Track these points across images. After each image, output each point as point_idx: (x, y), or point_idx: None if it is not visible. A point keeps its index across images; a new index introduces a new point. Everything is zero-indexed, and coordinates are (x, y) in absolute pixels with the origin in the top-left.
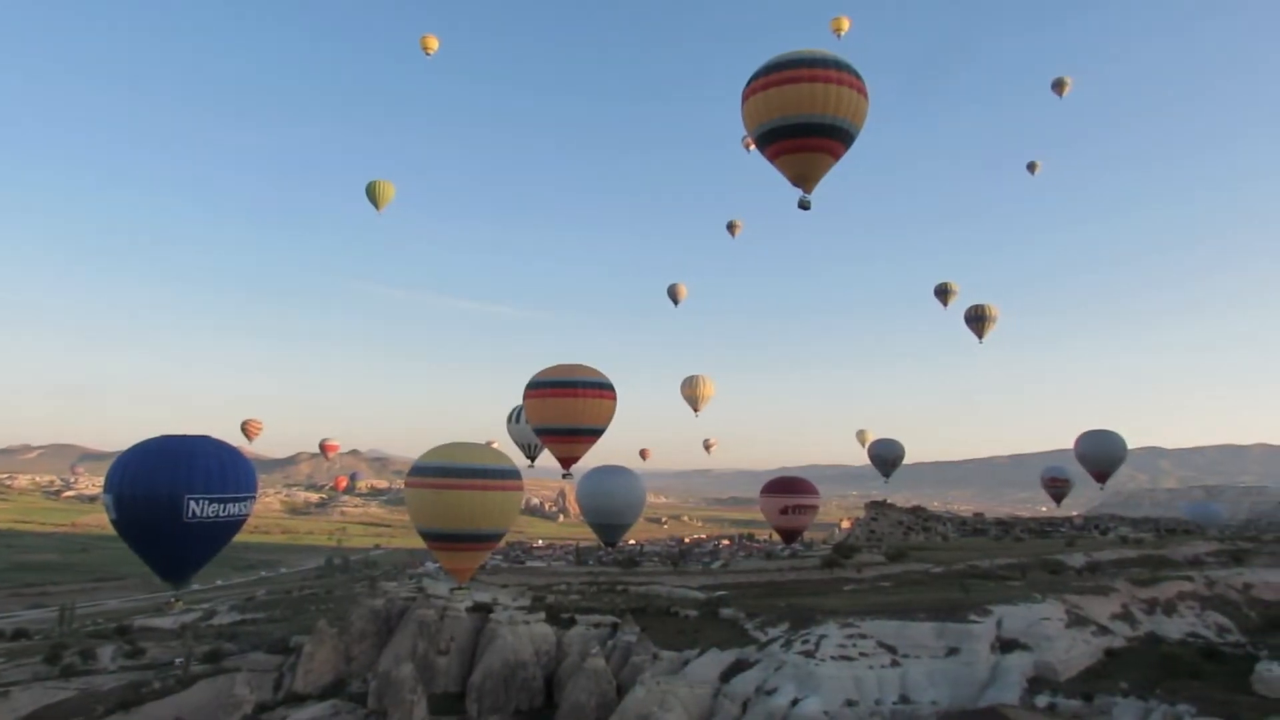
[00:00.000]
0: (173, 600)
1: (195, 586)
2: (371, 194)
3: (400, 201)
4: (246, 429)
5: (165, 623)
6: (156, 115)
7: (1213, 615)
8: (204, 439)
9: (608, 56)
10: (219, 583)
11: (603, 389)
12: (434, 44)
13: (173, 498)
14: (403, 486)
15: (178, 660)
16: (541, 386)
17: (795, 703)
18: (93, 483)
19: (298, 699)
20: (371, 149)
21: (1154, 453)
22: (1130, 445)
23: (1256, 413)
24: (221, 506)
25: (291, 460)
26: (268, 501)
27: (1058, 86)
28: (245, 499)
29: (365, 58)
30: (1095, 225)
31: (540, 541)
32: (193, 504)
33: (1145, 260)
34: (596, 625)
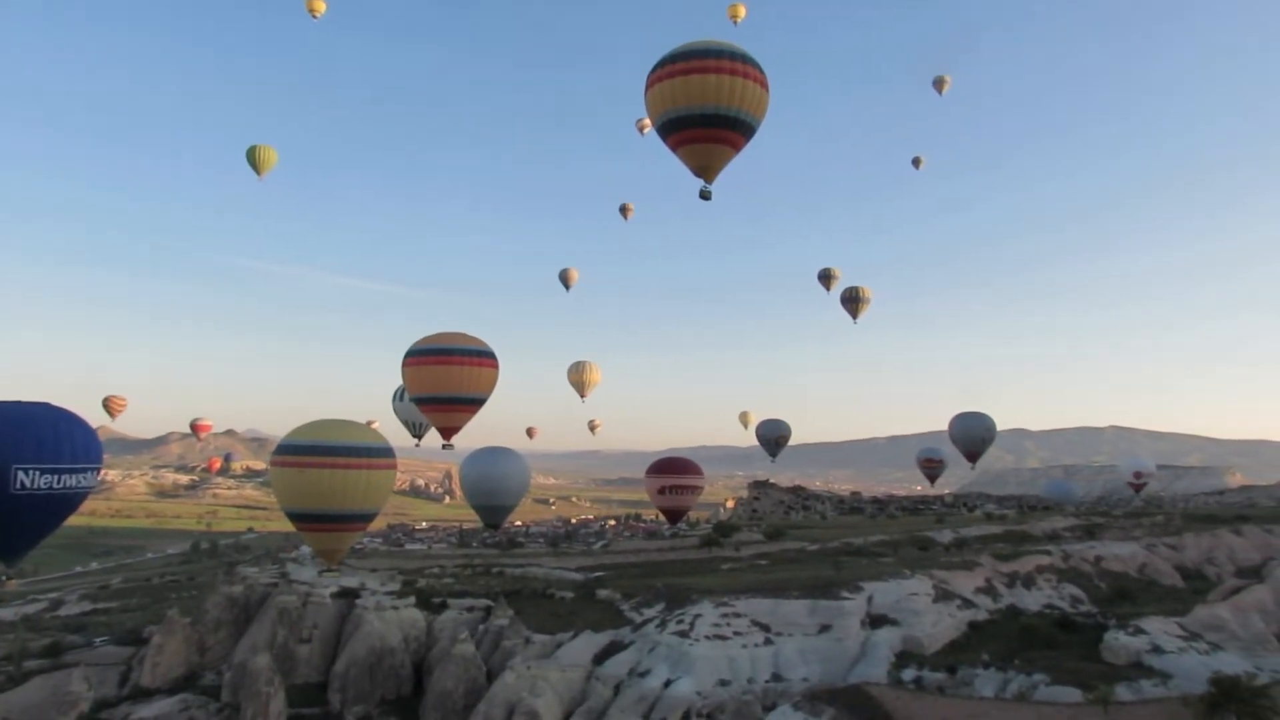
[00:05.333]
0: (4, 580)
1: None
2: (253, 159)
3: (278, 169)
4: (109, 405)
5: (4, 614)
6: (9, 71)
7: (1068, 587)
8: (39, 405)
9: (503, 30)
10: (75, 570)
11: (483, 357)
12: (321, 6)
13: None
14: None
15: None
16: (420, 354)
17: (668, 684)
18: None
19: (145, 694)
20: (249, 114)
21: (1020, 434)
22: (999, 427)
23: (1110, 397)
24: (56, 478)
25: (161, 440)
26: (132, 484)
27: (938, 84)
28: (85, 470)
29: (246, 15)
30: (966, 214)
31: (424, 524)
32: (21, 474)
33: (1011, 248)
34: (469, 609)
